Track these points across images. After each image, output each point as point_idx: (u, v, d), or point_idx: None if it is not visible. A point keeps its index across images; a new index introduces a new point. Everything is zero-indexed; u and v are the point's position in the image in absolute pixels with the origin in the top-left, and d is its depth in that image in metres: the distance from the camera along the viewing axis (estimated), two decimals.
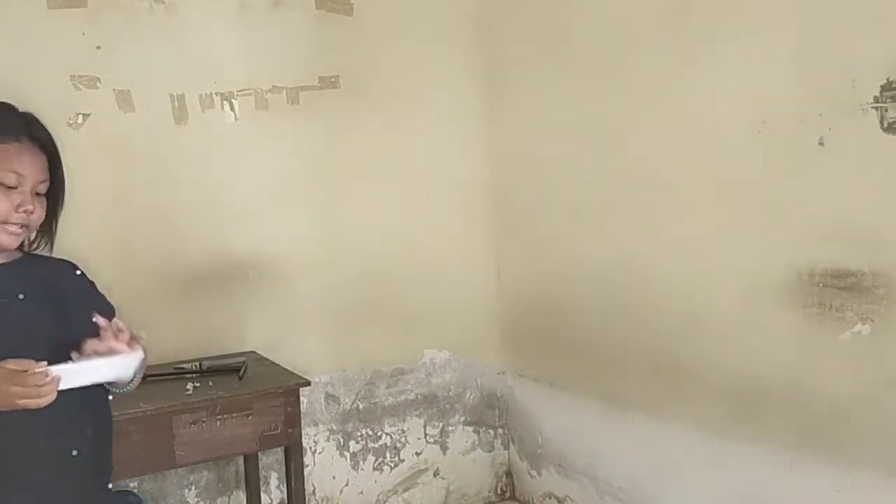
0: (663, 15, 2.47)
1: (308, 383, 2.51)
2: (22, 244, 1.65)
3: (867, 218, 1.99)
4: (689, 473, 2.52)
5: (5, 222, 1.56)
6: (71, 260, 1.73)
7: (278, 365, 2.64)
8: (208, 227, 2.77)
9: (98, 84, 2.57)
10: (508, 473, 3.37)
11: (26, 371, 1.39)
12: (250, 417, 2.34)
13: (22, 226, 1.58)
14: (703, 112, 2.37)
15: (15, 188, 1.55)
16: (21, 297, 1.58)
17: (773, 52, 2.16)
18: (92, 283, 1.75)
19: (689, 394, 2.50)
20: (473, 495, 3.32)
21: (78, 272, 1.73)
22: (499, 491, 3.36)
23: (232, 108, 2.78)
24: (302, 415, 2.52)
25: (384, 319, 3.07)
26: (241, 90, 2.79)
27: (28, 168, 1.58)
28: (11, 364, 1.40)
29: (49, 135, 1.63)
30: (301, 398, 2.51)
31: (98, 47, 2.57)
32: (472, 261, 3.23)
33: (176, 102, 2.69)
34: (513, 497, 3.35)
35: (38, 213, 1.61)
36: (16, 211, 1.56)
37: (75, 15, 2.53)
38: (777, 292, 2.20)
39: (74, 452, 1.58)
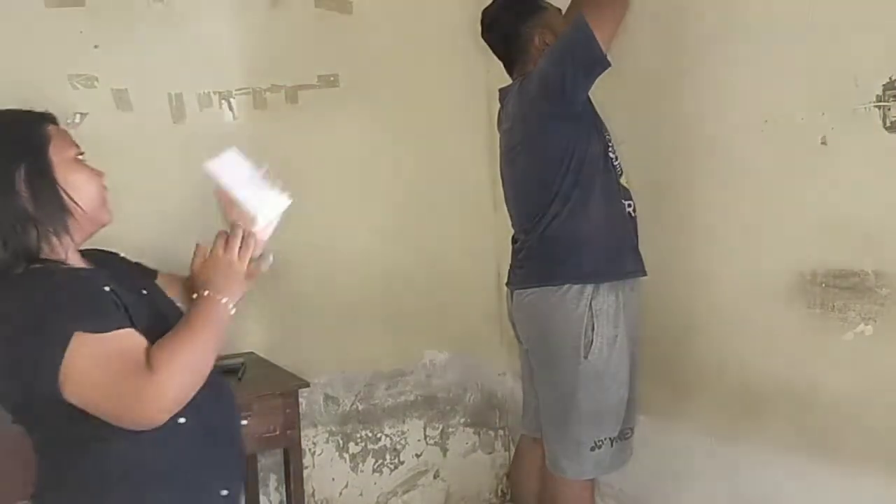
0: (665, 13, 2.46)
1: (307, 384, 2.51)
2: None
3: (870, 217, 1.98)
4: (691, 475, 2.51)
5: (104, 200, 1.50)
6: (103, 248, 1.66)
7: (277, 366, 2.63)
8: (206, 227, 2.75)
9: (96, 83, 2.57)
10: (509, 475, 3.36)
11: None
12: (249, 419, 2.32)
13: None
14: (705, 111, 2.36)
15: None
16: (144, 292, 1.52)
17: (775, 51, 2.15)
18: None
19: (690, 395, 2.49)
20: (474, 497, 3.31)
21: (122, 255, 1.67)
22: (499, 493, 3.35)
23: (230, 107, 2.77)
24: (301, 416, 2.52)
25: (384, 320, 3.05)
26: (239, 89, 2.78)
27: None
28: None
29: None
30: (300, 399, 2.51)
31: (96, 46, 2.57)
32: (472, 261, 3.22)
33: (174, 101, 2.68)
34: (513, 499, 3.34)
35: None
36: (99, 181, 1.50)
37: (73, 14, 2.53)
38: (779, 292, 2.19)
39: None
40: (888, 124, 1.91)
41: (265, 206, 1.56)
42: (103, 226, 1.51)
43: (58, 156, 1.43)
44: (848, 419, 2.05)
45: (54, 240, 1.41)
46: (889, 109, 1.91)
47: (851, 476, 2.04)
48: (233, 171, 1.57)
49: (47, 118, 1.49)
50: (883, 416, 1.97)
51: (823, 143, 2.05)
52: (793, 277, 2.15)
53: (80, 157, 1.49)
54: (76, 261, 1.45)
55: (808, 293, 2.12)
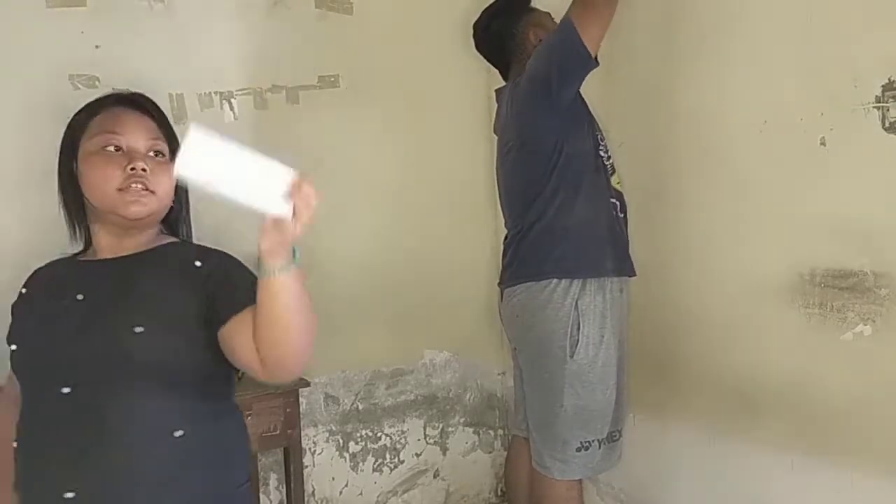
0: (666, 14, 2.46)
1: (307, 384, 2.51)
2: (177, 230, 1.54)
3: (869, 218, 1.98)
4: (690, 475, 2.51)
5: (121, 189, 1.40)
6: (228, 252, 1.55)
7: None
8: (206, 227, 2.74)
9: (97, 83, 2.56)
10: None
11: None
12: (249, 418, 2.33)
13: (144, 188, 1.40)
14: (704, 112, 2.36)
15: (119, 152, 1.43)
16: (80, 297, 1.40)
17: (774, 52, 2.15)
18: (216, 271, 1.49)
19: (689, 394, 2.49)
20: (473, 496, 3.31)
21: (198, 263, 1.47)
22: (499, 492, 3.35)
23: (231, 108, 2.77)
24: (301, 415, 2.52)
25: (384, 319, 3.06)
26: (240, 90, 2.78)
27: (128, 126, 1.44)
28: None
29: (153, 102, 1.51)
30: (300, 399, 2.51)
31: (97, 46, 2.56)
32: (472, 261, 3.22)
33: (175, 102, 2.68)
34: (508, 500, 3.34)
35: (162, 179, 1.42)
36: (124, 171, 1.39)
37: (74, 14, 2.53)
38: (778, 292, 2.19)
39: (69, 495, 1.29)
40: (887, 125, 1.92)
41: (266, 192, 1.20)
42: (127, 219, 1.43)
43: (85, 147, 1.46)
44: (846, 419, 2.05)
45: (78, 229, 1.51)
46: (888, 110, 1.91)
47: (849, 476, 2.05)
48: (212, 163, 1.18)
49: (103, 104, 1.51)
50: (881, 417, 1.98)
51: (822, 143, 2.06)
52: (792, 277, 2.16)
53: (108, 148, 1.44)
54: (111, 251, 1.48)
55: (806, 293, 2.13)
